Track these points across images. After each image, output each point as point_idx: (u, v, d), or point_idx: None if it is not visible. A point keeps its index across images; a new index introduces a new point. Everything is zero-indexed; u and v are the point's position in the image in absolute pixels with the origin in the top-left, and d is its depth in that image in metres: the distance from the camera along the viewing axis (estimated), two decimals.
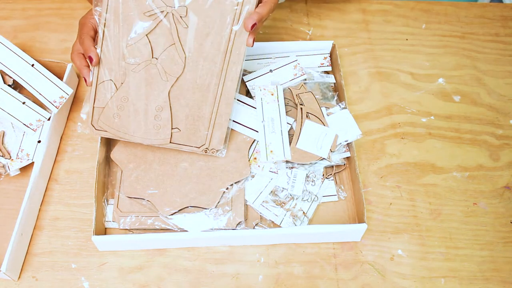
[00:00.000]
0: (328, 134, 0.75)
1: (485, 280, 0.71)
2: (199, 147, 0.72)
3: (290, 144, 0.75)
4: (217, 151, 0.72)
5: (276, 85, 0.80)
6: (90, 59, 0.67)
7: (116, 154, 0.74)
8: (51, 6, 0.98)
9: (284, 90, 0.81)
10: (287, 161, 0.75)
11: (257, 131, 0.76)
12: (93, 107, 0.70)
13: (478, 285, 0.70)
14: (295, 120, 0.78)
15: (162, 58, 0.68)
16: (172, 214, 0.70)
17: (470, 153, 0.83)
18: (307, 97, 0.80)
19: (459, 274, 0.71)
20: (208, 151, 0.72)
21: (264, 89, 0.79)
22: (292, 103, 0.81)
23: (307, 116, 0.77)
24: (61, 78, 0.79)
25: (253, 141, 0.76)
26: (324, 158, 0.75)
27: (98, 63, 0.68)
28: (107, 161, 0.77)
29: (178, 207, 0.70)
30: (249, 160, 0.75)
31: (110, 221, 0.72)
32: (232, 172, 0.73)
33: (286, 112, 0.79)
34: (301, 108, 0.78)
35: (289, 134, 0.76)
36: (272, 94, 0.78)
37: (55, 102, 0.76)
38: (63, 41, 0.93)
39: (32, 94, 0.77)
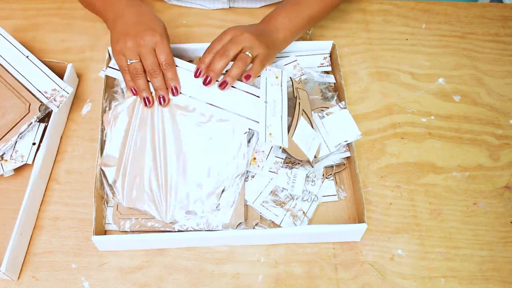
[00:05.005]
0: (316, 139, 0.75)
1: (485, 280, 0.71)
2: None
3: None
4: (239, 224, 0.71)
5: (281, 70, 0.79)
6: (147, 100, 0.74)
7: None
8: (51, 6, 0.98)
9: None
10: (285, 160, 0.75)
11: (258, 122, 0.74)
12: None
13: (478, 285, 0.70)
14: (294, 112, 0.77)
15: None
16: (171, 222, 0.70)
17: (470, 153, 0.83)
18: (302, 95, 0.79)
19: (459, 274, 0.71)
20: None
21: (270, 69, 0.78)
22: (291, 92, 0.79)
23: (302, 113, 0.77)
24: (61, 78, 0.79)
25: (252, 136, 0.75)
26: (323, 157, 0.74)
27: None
28: None
29: (178, 214, 0.70)
30: (249, 160, 0.74)
31: (110, 223, 0.72)
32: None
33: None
34: (299, 103, 0.77)
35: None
36: (276, 77, 0.77)
37: (55, 99, 0.76)
38: (63, 41, 0.93)
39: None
